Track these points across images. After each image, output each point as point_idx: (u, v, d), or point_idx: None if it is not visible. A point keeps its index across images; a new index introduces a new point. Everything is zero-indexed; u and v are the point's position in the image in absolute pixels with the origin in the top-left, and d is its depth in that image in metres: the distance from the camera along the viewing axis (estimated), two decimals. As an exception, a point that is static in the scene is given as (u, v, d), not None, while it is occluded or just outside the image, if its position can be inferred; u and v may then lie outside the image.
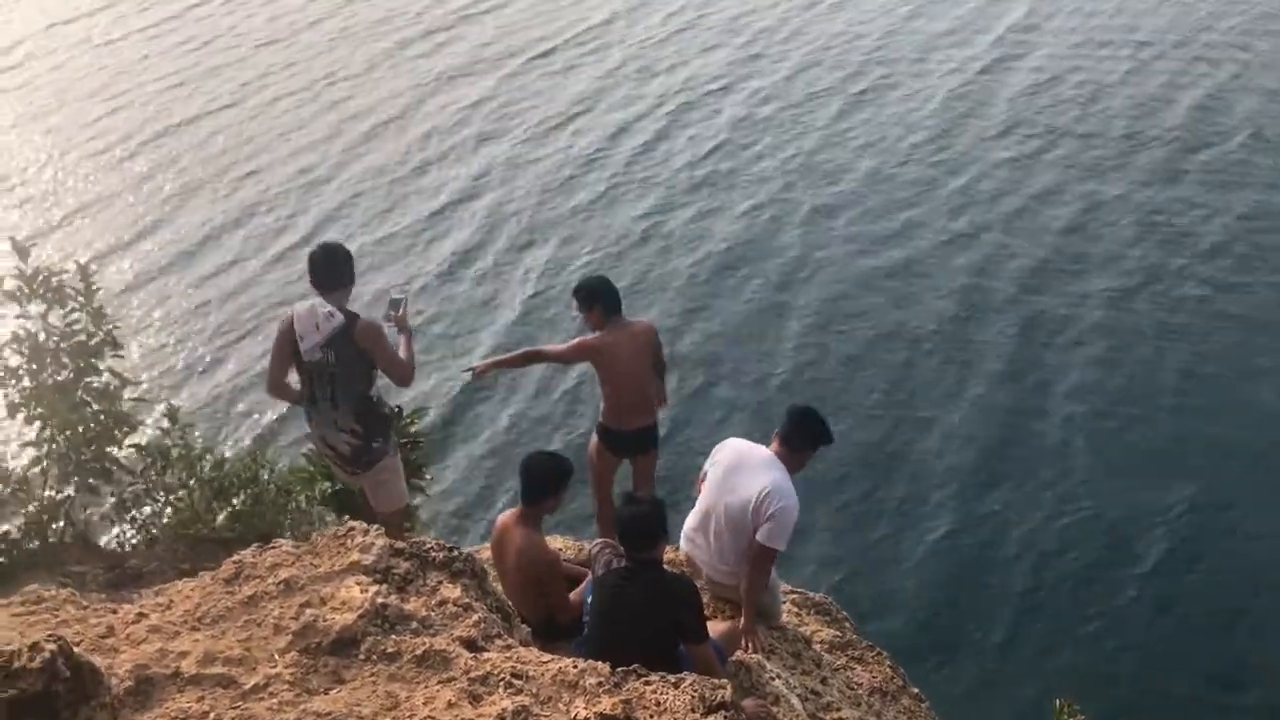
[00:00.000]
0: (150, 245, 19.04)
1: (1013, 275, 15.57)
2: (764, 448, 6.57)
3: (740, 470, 6.44)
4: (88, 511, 8.94)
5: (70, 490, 8.47)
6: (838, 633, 7.77)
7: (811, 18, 25.70)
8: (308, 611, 4.23)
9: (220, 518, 9.00)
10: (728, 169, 19.41)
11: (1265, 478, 11.46)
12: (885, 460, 12.22)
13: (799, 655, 6.70)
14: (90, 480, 8.35)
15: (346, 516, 8.54)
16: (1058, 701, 7.45)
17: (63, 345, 8.29)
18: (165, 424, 9.06)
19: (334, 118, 23.34)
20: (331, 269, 6.45)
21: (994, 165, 18.53)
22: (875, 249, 16.64)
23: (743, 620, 6.32)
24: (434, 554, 4.74)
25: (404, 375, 6.58)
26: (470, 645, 4.28)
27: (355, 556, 4.58)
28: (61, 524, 8.64)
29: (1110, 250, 16.05)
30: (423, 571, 4.65)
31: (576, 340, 7.64)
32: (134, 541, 8.87)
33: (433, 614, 4.40)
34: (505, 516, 6.53)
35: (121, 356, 8.57)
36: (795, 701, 5.98)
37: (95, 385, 8.41)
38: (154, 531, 8.85)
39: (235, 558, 4.70)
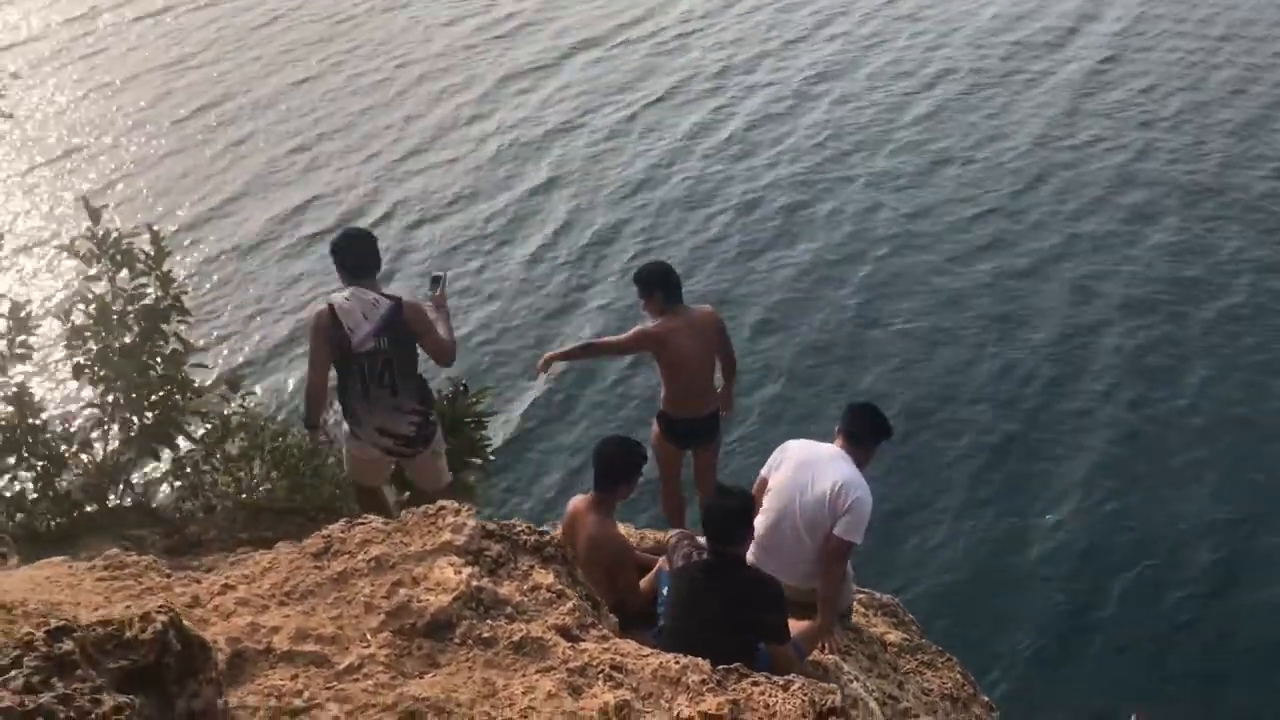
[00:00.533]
0: (218, 218, 19.05)
1: (1066, 271, 15.30)
2: (829, 445, 6.44)
3: (810, 467, 6.30)
4: (147, 476, 8.89)
5: (131, 454, 8.40)
6: (906, 636, 7.62)
7: (896, 25, 25.24)
8: (401, 591, 4.11)
9: (279, 488, 8.93)
10: (783, 153, 19.18)
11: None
12: (940, 461, 11.99)
13: (875, 658, 6.54)
14: (153, 445, 8.27)
15: (408, 494, 8.49)
16: (1133, 716, 7.28)
17: (130, 308, 8.21)
18: (224, 390, 8.99)
19: (408, 105, 23.23)
20: (365, 255, 6.36)
21: (1056, 161, 18.21)
22: (930, 240, 16.45)
23: (820, 619, 6.16)
24: (524, 537, 4.61)
25: (448, 353, 6.51)
26: (566, 634, 4.14)
27: (447, 537, 4.45)
28: (121, 487, 8.60)
29: (1165, 252, 15.75)
30: (514, 555, 4.52)
31: (636, 329, 7.49)
32: (191, 508, 8.80)
33: (526, 599, 4.27)
34: (577, 501, 6.42)
35: (189, 322, 8.50)
36: (874, 705, 5.82)
37: (162, 349, 8.33)
38: (212, 499, 8.77)
39: (324, 531, 4.59)
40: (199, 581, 4.52)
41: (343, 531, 4.58)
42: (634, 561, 6.38)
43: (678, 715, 3.73)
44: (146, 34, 27.50)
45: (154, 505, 8.79)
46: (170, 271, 8.33)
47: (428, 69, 24.76)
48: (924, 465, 11.83)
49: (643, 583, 6.38)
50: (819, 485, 6.14)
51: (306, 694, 3.67)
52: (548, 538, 4.63)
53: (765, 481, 6.47)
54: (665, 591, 6.00)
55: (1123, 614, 10.13)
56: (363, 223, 18.21)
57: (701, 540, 5.92)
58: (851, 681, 5.96)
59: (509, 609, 4.16)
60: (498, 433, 11.85)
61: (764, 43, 24.51)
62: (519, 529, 4.65)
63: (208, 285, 16.64)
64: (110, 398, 8.28)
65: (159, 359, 8.31)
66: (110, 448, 8.48)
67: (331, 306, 6.28)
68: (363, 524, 4.63)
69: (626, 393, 13.09)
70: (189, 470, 8.68)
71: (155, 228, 8.48)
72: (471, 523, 4.55)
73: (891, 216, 17.04)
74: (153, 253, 8.23)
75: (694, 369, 7.33)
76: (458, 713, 3.63)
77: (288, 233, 18.27)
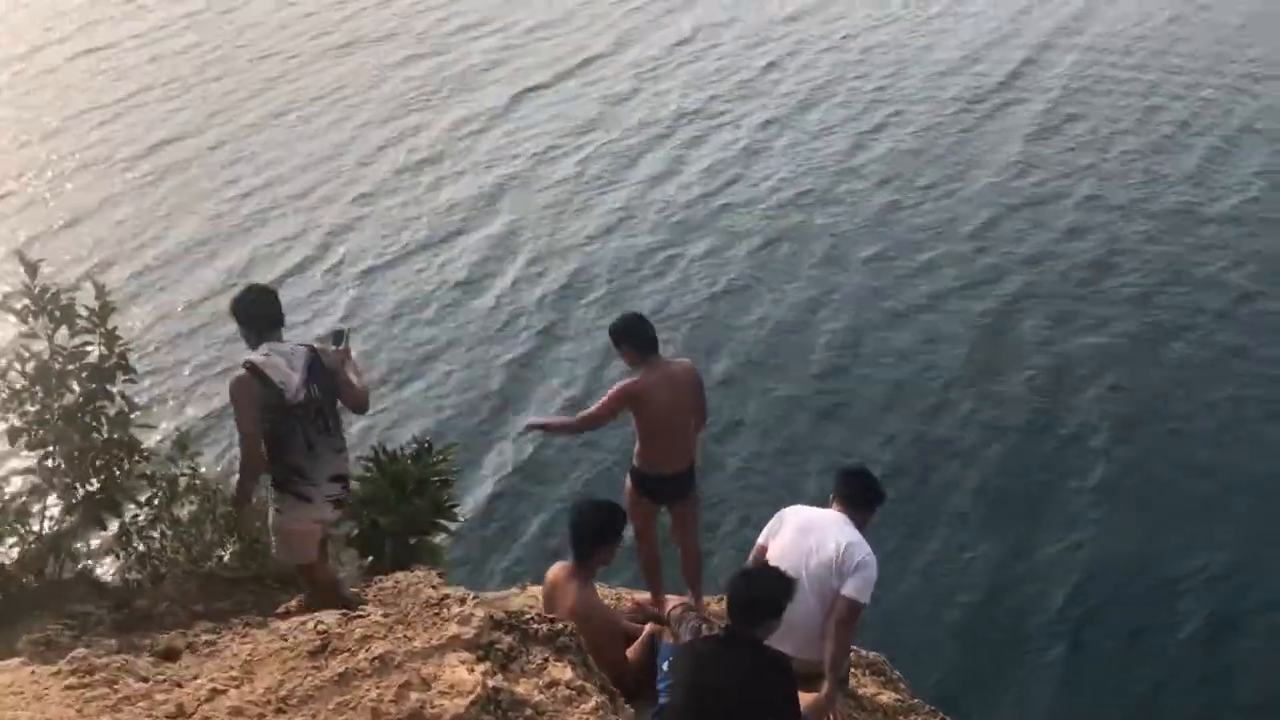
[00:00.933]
0: (147, 260, 18.30)
1: (1033, 311, 15.35)
2: (828, 510, 6.25)
3: (813, 532, 6.08)
4: (90, 545, 8.37)
5: (74, 523, 7.90)
6: (898, 696, 7.41)
7: (822, 48, 25.46)
8: (413, 696, 3.78)
9: (231, 555, 8.47)
10: (743, 200, 19.02)
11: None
12: (913, 507, 11.83)
13: (880, 728, 6.29)
14: (98, 513, 7.78)
15: (371, 558, 8.10)
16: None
17: (70, 368, 7.74)
18: (171, 451, 8.52)
19: (336, 135, 22.72)
20: (270, 310, 6.21)
21: (1013, 201, 18.33)
22: (894, 285, 16.31)
23: (826, 688, 5.90)
24: (535, 627, 4.32)
25: (363, 400, 6.37)
26: (593, 736, 3.84)
27: (454, 630, 4.13)
28: (62, 558, 8.07)
29: (1133, 286, 15.91)
30: (526, 647, 4.23)
31: (612, 390, 7.17)
32: (138, 579, 8.29)
33: (545, 698, 3.97)
34: (556, 570, 6.12)
35: (134, 380, 8.02)
36: (883, 781, 5.57)
37: (106, 410, 7.86)
38: (161, 568, 8.27)
39: (319, 626, 4.24)
40: (180, 685, 4.14)
41: (340, 626, 4.23)
42: (622, 632, 6.08)
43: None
44: (85, 72, 26.62)
45: (98, 577, 8.25)
46: (115, 328, 7.88)
47: (357, 103, 24.30)
48: (901, 517, 11.64)
49: (630, 653, 6.08)
50: (825, 549, 5.92)
51: (320, 822, 3.32)
52: (560, 627, 4.33)
53: (764, 549, 6.21)
54: (665, 667, 5.70)
55: (1113, 663, 10.00)
56: (313, 272, 17.68)
57: (703, 613, 5.64)
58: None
59: (529, 710, 3.86)
60: (465, 492, 11.47)
61: (715, 86, 24.39)
62: (528, 618, 4.35)
63: (153, 341, 15.90)
64: (50, 463, 7.78)
65: (103, 420, 7.83)
66: (51, 516, 7.97)
67: (254, 366, 5.98)
68: (360, 617, 4.28)
69: (598, 445, 12.75)
70: (135, 538, 8.17)
71: (98, 281, 8.02)
72: (479, 613, 4.23)
73: (853, 262, 16.98)
74: (96, 308, 7.77)
75: (671, 425, 7.07)
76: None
77: (237, 285, 17.66)
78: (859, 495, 6.19)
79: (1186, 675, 9.78)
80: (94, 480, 7.78)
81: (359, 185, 20.59)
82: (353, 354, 6.58)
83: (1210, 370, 13.94)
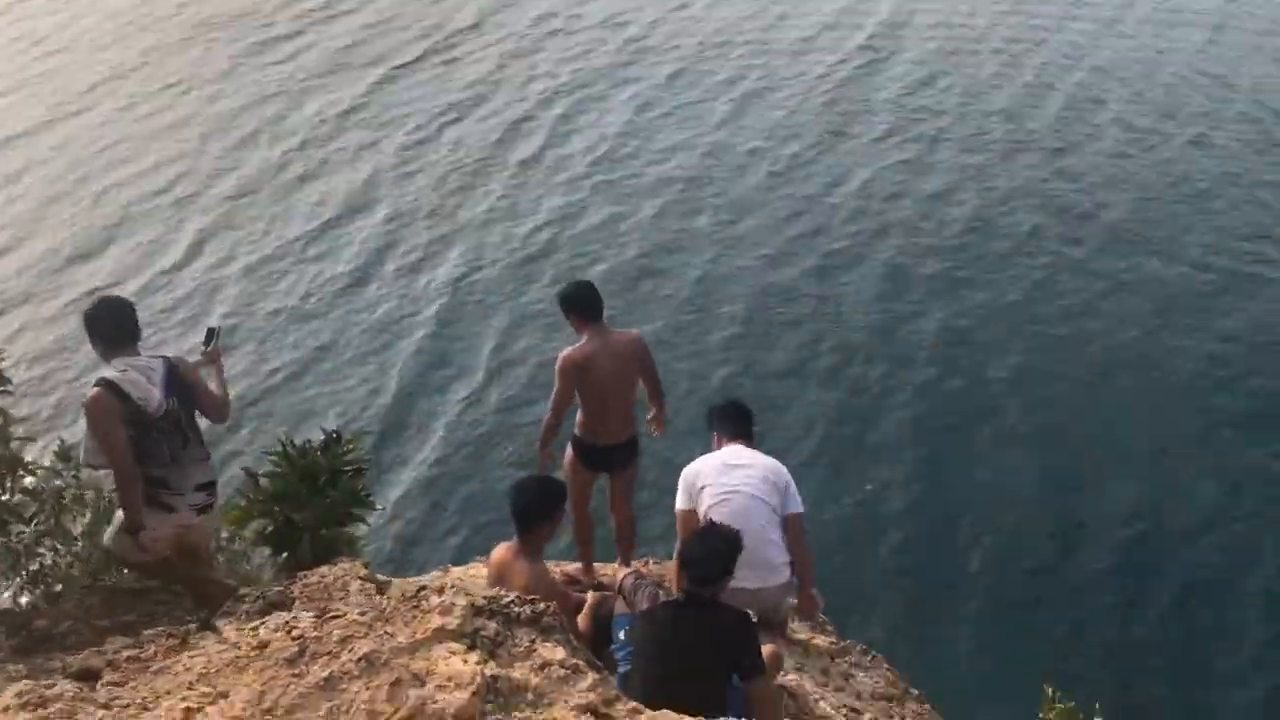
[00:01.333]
0: (6, 267, 17.08)
1: (921, 277, 15.51)
2: (726, 448, 6.37)
3: (735, 470, 6.22)
4: (-28, 569, 7.81)
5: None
6: (831, 640, 7.55)
7: (683, 20, 25.20)
8: (411, 694, 3.63)
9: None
10: (620, 176, 18.75)
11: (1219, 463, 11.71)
12: (830, 455, 11.94)
13: (827, 671, 6.40)
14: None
15: (285, 554, 7.81)
16: (1047, 690, 7.40)
17: (-61, 387, 7.22)
18: (54, 463, 8.05)
19: (196, 126, 21.50)
20: (125, 323, 6.03)
21: (882, 167, 18.46)
22: (782, 259, 16.22)
23: (804, 591, 6.36)
24: (516, 609, 4.20)
25: (223, 410, 6.40)
26: (596, 714, 3.77)
27: (438, 621, 3.99)
28: (-56, 586, 7.54)
29: (1020, 236, 16.30)
30: (510, 631, 4.10)
31: (557, 364, 7.10)
32: (32, 600, 7.80)
33: (540, 680, 3.87)
34: (502, 550, 6.02)
35: (10, 392, 7.51)
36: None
37: (-16, 433, 7.35)
38: (55, 586, 7.81)
39: (294, 631, 4.04)
40: (145, 708, 3.89)
41: (314, 629, 4.04)
42: (573, 605, 6.03)
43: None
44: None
45: (-12, 603, 7.73)
46: (-14, 345, 7.37)
47: (214, 93, 23.01)
48: (820, 464, 11.72)
49: (579, 624, 6.04)
50: (754, 480, 6.08)
51: (339, 835, 3.17)
52: (542, 608, 4.22)
53: (692, 512, 6.19)
54: (621, 635, 5.67)
55: (1031, 601, 10.29)
56: (188, 271, 16.75)
57: (654, 578, 5.62)
58: (819, 702, 5.79)
59: (529, 695, 3.75)
60: (376, 481, 11.11)
61: (581, 61, 23.84)
62: (507, 601, 4.23)
63: (23, 350, 14.81)
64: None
65: (-20, 443, 7.34)
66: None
67: (110, 383, 5.79)
68: (336, 617, 4.10)
69: (508, 429, 12.53)
70: (24, 557, 7.68)
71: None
72: (461, 602, 4.10)
73: (741, 232, 16.86)
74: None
75: (611, 394, 7.02)
76: (519, 829, 3.22)
77: (108, 288, 16.57)
78: (743, 423, 6.44)
79: (1102, 613, 10.19)
80: (-23, 507, 7.28)
81: (226, 178, 19.60)
82: (220, 356, 6.50)
83: (1120, 315, 14.36)
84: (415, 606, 4.11)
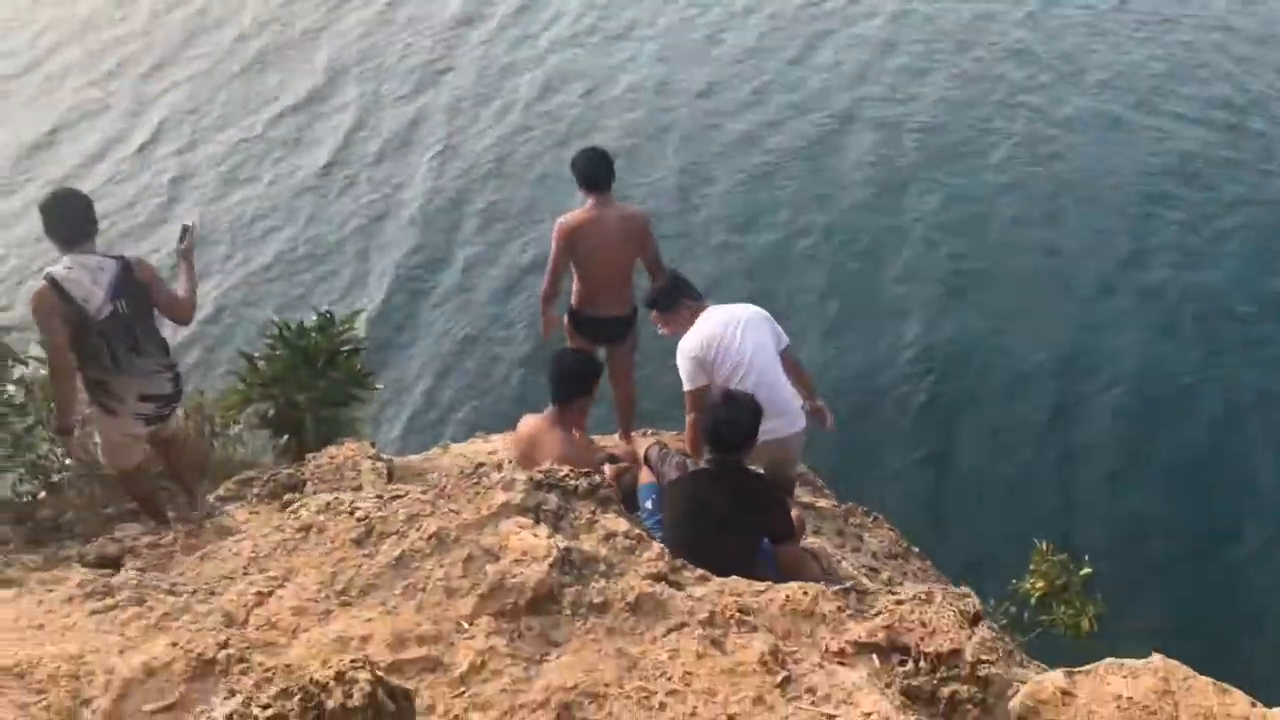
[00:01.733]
0: None
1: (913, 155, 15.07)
2: (709, 309, 6.34)
3: (730, 324, 6.16)
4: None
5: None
6: (833, 502, 7.71)
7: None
8: (489, 569, 3.66)
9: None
10: (601, 47, 17.95)
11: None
12: (828, 325, 11.79)
13: (842, 533, 6.55)
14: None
15: (286, 436, 7.77)
16: (1039, 543, 7.66)
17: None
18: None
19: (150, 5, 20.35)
20: (79, 218, 5.69)
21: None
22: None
23: (816, 401, 6.53)
24: (572, 483, 4.22)
25: (185, 309, 6.07)
26: (667, 582, 3.84)
27: (501, 497, 4.01)
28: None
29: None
30: (569, 504, 4.14)
31: (553, 231, 7.01)
32: (31, 490, 7.72)
33: (608, 551, 3.92)
34: (534, 421, 5.99)
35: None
36: (868, 584, 5.84)
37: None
38: (54, 476, 7.73)
39: (356, 512, 4.02)
40: (214, 593, 3.88)
41: (378, 509, 4.03)
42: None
43: (829, 649, 3.54)
44: None
45: (-12, 493, 7.64)
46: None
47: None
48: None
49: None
50: (755, 331, 6.11)
51: (440, 708, 3.22)
52: (597, 480, 4.25)
53: (705, 388, 6.17)
54: (649, 505, 5.75)
55: (975, 448, 10.43)
56: (165, 157, 16.05)
57: (680, 446, 5.69)
58: (840, 563, 5.95)
59: (601, 566, 3.80)
60: (378, 361, 10.95)
61: None
62: (562, 475, 4.25)
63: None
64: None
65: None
66: (-81, 437, 7.30)
67: (54, 280, 5.55)
68: (399, 497, 4.09)
69: (502, 309, 12.32)
70: (19, 447, 7.57)
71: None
72: (520, 476, 4.11)
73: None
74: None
75: (604, 264, 6.93)
76: (613, 695, 3.29)
77: (79, 180, 15.88)
78: (689, 288, 6.47)
79: (1043, 458, 10.42)
80: (-29, 400, 7.13)
81: (186, 60, 18.35)
82: (193, 253, 6.21)
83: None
84: (476, 484, 4.11)
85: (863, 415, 10.62)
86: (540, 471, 4.22)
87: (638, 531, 4.04)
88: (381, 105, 16.94)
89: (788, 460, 6.31)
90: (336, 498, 4.66)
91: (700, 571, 4.01)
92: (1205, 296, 12.21)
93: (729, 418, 5.28)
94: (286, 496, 6.95)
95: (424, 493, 4.13)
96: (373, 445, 7.25)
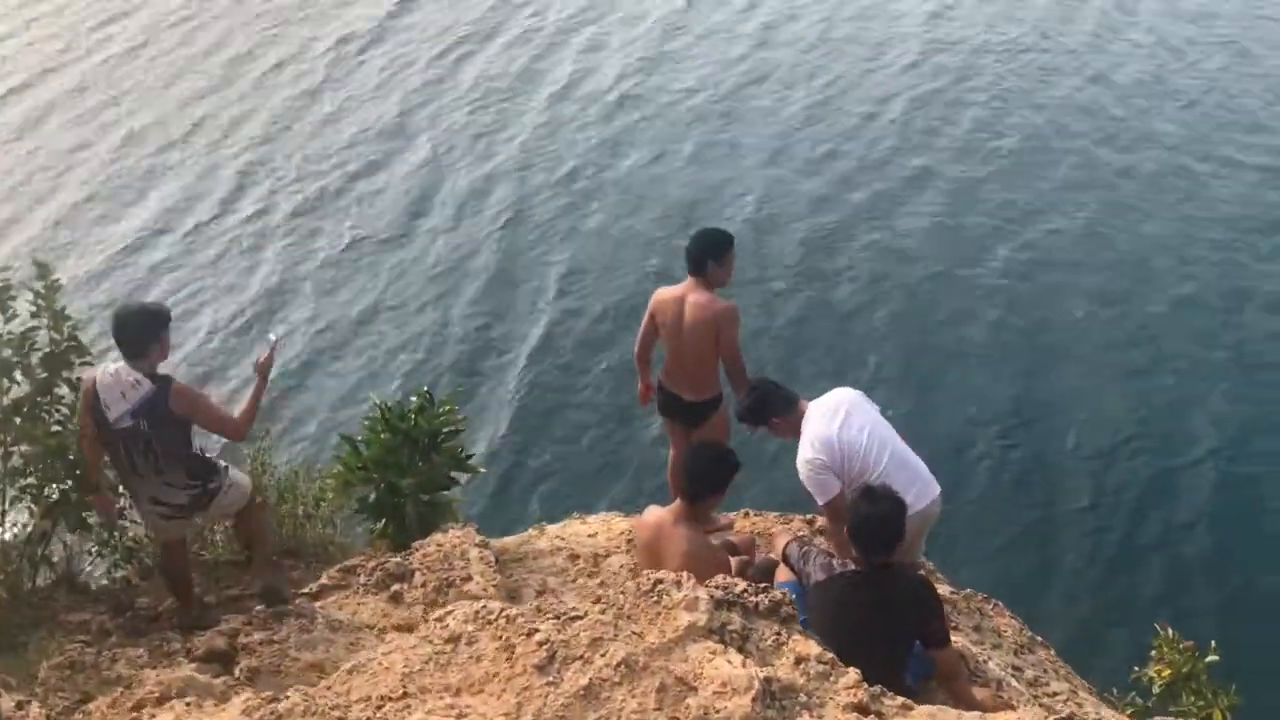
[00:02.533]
0: (44, 228, 16.18)
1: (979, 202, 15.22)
2: (811, 409, 6.14)
3: (845, 416, 6.02)
4: (63, 548, 7.54)
5: (44, 524, 7.12)
6: (951, 589, 7.45)
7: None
8: (690, 703, 3.45)
9: (219, 536, 7.83)
10: (655, 101, 18.13)
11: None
12: (914, 400, 11.66)
13: (980, 628, 6.30)
14: (79, 514, 7.02)
15: (384, 521, 7.59)
16: (1161, 628, 7.38)
17: (19, 357, 6.91)
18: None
19: (209, 64, 20.18)
20: (137, 336, 5.94)
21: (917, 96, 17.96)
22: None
23: None
24: (751, 600, 4.01)
25: (235, 430, 6.26)
26: (867, 713, 3.62)
27: (687, 618, 3.80)
28: (37, 566, 7.28)
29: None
30: (752, 622, 3.93)
31: None
32: (126, 575, 7.57)
33: (803, 679, 3.70)
34: (658, 515, 5.80)
35: (91, 363, 7.17)
36: (1014, 683, 5.59)
37: (65, 399, 7.05)
38: (148, 560, 7.57)
39: (539, 636, 3.82)
40: (379, 707, 3.69)
41: (558, 631, 3.83)
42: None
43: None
44: None
45: (83, 581, 7.49)
46: (64, 308, 7.06)
47: (238, 44, 21.67)
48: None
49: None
50: (862, 414, 6.03)
51: None
52: (779, 596, 4.05)
53: (841, 494, 5.94)
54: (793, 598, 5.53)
55: (1133, 534, 10.16)
56: (222, 225, 15.85)
57: (820, 542, 5.48)
58: (987, 663, 5.70)
59: (800, 696, 3.59)
60: (477, 443, 10.84)
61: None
62: (739, 589, 4.05)
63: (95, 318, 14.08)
64: (11, 463, 6.97)
65: (63, 411, 7.05)
66: (16, 523, 7.16)
67: (93, 380, 6.01)
68: (578, 618, 3.89)
69: (589, 382, 12.15)
70: (115, 531, 7.43)
71: (40, 258, 7.14)
72: (703, 594, 3.91)
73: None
74: (41, 288, 6.92)
75: (676, 346, 6.94)
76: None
77: (161, 231, 15.87)
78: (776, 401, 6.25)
79: (1145, 532, 10.12)
80: (67, 480, 7.00)
81: (248, 122, 18.31)
82: (270, 367, 6.30)
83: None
84: (656, 601, 3.91)
85: (951, 490, 10.36)
86: (719, 588, 4.02)
87: (829, 655, 3.82)
88: (449, 166, 16.79)
89: (923, 533, 6.14)
90: (485, 606, 4.48)
91: (900, 700, 3.79)
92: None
93: (877, 516, 5.07)
94: (395, 587, 6.83)
95: (603, 612, 3.93)
96: (478, 531, 7.08)
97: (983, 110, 17.26)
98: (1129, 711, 7.12)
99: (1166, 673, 7.25)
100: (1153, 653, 7.33)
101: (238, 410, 6.33)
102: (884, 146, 16.49)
